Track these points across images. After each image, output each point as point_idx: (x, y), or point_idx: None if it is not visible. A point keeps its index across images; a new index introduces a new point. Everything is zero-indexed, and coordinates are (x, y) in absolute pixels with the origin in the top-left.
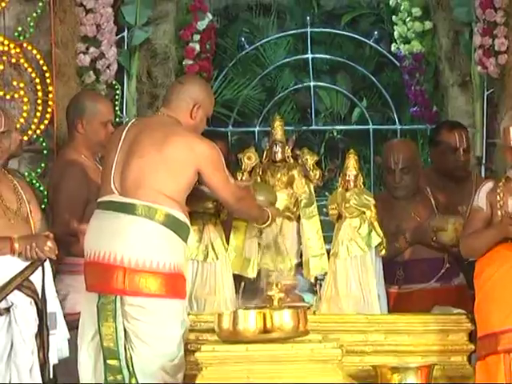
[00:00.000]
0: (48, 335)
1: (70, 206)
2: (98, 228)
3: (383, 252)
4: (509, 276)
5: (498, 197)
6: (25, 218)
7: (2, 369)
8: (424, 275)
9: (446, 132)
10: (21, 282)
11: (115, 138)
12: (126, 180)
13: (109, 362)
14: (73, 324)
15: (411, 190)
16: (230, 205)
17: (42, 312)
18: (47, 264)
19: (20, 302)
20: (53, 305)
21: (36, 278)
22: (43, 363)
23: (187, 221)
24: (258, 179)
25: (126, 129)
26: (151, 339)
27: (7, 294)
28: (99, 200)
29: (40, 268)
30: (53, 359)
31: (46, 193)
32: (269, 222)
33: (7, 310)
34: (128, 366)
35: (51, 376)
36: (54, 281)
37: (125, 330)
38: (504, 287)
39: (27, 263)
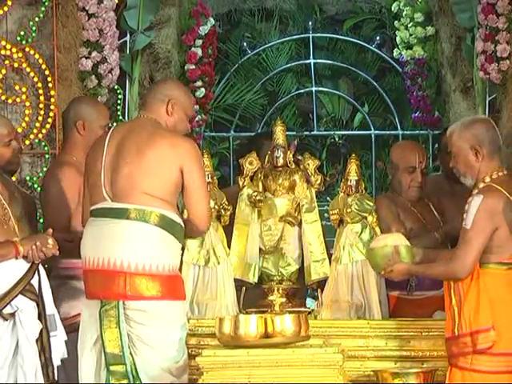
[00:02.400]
0: (49, 337)
1: (61, 207)
2: (94, 235)
3: None
4: None
5: None
6: (8, 222)
7: (6, 371)
8: (435, 282)
9: (444, 135)
10: (24, 287)
11: (98, 145)
12: (117, 186)
13: (112, 368)
14: (68, 328)
15: (423, 192)
16: (202, 218)
17: (41, 315)
18: (40, 267)
19: (25, 306)
20: (50, 307)
21: (34, 281)
22: (44, 365)
23: (181, 222)
24: (260, 184)
25: (109, 136)
26: (155, 342)
27: (12, 299)
28: (92, 208)
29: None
30: (56, 361)
31: None
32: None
33: (12, 314)
34: (132, 371)
35: (55, 378)
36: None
37: (127, 335)
38: None
39: (28, 266)
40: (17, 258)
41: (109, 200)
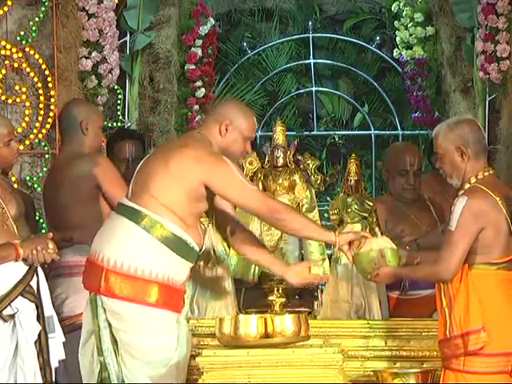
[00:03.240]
0: (47, 339)
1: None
2: (102, 228)
3: None
4: None
5: None
6: (5, 222)
7: (6, 373)
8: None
9: None
10: (23, 288)
11: None
12: (136, 185)
13: (99, 358)
14: (72, 326)
15: (417, 193)
16: (262, 214)
17: (39, 316)
18: (39, 268)
19: (24, 307)
20: (49, 308)
21: (32, 283)
22: (42, 367)
23: (187, 237)
24: (260, 184)
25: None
26: (129, 347)
27: (12, 301)
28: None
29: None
30: (54, 362)
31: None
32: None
33: (11, 316)
34: (119, 366)
35: (53, 379)
36: (50, 285)
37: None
38: None
39: (27, 267)
40: (16, 260)
41: (128, 196)
